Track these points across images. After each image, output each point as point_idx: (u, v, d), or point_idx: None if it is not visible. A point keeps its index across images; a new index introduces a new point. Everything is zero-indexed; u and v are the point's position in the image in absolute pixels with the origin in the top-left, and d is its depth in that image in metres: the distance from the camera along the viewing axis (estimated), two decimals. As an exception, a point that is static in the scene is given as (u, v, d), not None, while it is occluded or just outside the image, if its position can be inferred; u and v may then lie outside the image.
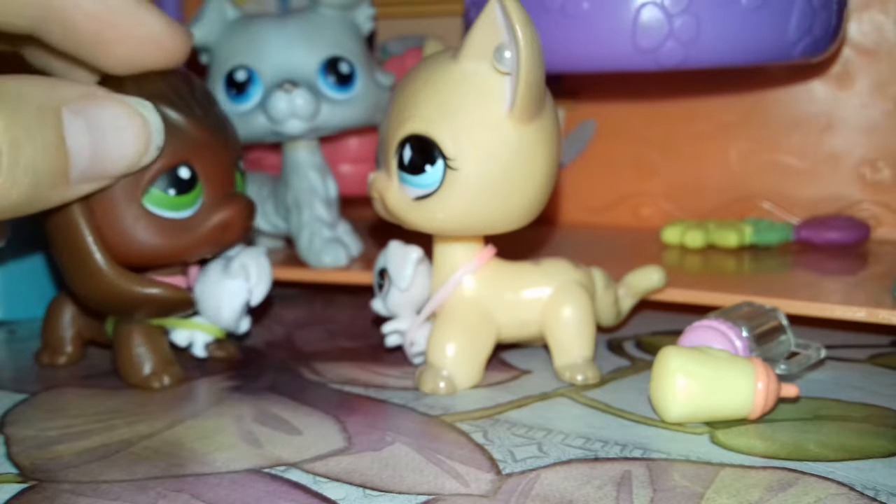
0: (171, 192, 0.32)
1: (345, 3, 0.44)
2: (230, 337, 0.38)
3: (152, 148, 0.30)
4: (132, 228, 0.31)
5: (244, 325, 0.36)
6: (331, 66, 0.43)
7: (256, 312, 0.46)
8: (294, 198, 0.44)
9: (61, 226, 0.31)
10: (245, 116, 0.42)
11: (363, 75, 0.43)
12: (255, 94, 0.42)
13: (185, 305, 0.34)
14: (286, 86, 0.41)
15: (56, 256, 0.32)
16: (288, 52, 0.42)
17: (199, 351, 0.37)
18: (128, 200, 0.31)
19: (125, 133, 0.28)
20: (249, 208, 0.34)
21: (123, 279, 0.32)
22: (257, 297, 0.36)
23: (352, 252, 0.45)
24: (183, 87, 0.32)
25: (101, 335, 0.36)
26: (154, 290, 0.33)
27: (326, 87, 0.42)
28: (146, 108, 0.29)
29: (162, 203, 0.31)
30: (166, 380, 0.34)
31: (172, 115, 0.31)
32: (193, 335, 0.36)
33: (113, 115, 0.28)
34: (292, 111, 0.41)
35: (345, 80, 0.43)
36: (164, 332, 0.36)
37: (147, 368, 0.34)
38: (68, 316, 0.37)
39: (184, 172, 0.32)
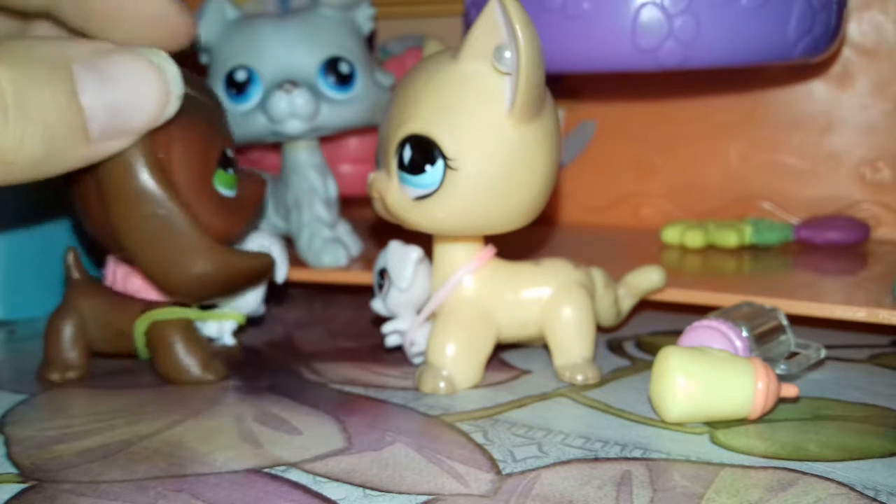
0: (230, 171, 0.33)
1: (345, 3, 0.44)
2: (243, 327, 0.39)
3: (173, 97, 0.29)
4: (211, 211, 0.32)
5: (262, 308, 0.38)
6: (331, 66, 0.43)
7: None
8: (294, 198, 0.44)
9: (159, 217, 0.30)
10: (245, 116, 0.42)
11: (363, 75, 0.43)
12: (255, 94, 0.42)
13: (271, 270, 0.35)
14: (286, 86, 0.41)
15: (148, 252, 0.31)
16: (288, 52, 0.42)
17: (229, 339, 0.37)
18: (205, 183, 0.32)
19: (142, 84, 0.28)
20: (265, 182, 0.36)
21: (233, 255, 0.32)
22: (281, 277, 0.37)
23: (352, 252, 0.45)
24: (196, 78, 0.33)
25: (120, 344, 0.35)
26: (255, 261, 0.33)
27: (326, 87, 0.42)
28: (160, 57, 0.29)
29: (224, 182, 0.33)
30: (216, 373, 0.35)
31: (210, 101, 0.33)
32: (222, 325, 0.37)
33: (126, 66, 0.28)
34: (292, 111, 0.41)
35: (345, 80, 0.43)
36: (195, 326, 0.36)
37: (195, 368, 0.35)
38: (69, 331, 0.35)
39: (229, 150, 0.33)
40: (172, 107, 0.29)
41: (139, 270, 0.32)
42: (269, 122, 0.42)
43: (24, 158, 0.26)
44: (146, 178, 0.30)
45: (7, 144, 0.25)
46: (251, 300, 0.37)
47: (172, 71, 0.29)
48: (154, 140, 0.30)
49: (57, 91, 0.26)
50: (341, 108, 0.43)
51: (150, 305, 0.35)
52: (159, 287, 0.32)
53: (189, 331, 0.35)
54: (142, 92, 0.28)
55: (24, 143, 0.26)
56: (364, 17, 0.45)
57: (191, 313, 0.35)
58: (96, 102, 0.27)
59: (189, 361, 0.34)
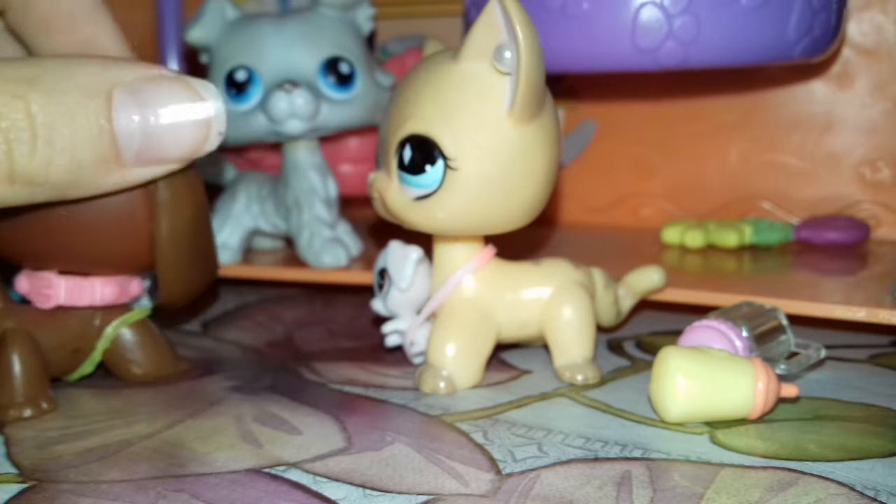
0: None
1: (345, 3, 0.44)
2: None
3: (213, 132, 0.28)
4: None
5: None
6: (331, 66, 0.43)
7: (256, 312, 0.46)
8: (294, 198, 0.44)
9: (201, 224, 0.31)
10: (245, 116, 0.42)
11: (363, 75, 0.43)
12: (255, 94, 0.42)
13: None
14: (286, 86, 0.41)
15: (190, 259, 0.31)
16: (288, 52, 0.42)
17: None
18: None
19: (183, 115, 0.27)
20: None
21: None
22: None
23: (352, 252, 0.45)
24: None
25: (74, 361, 0.34)
26: None
27: (326, 87, 0.42)
28: (208, 91, 0.28)
29: None
30: (185, 362, 0.36)
31: None
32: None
33: (170, 95, 0.27)
34: (292, 111, 0.41)
35: (345, 80, 0.43)
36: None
37: (175, 358, 0.36)
38: (24, 362, 0.31)
39: None
40: (212, 143, 0.28)
41: (168, 279, 0.31)
42: (269, 122, 0.42)
43: (52, 182, 0.26)
44: (199, 187, 0.30)
45: (34, 170, 0.25)
46: None
47: (218, 106, 0.28)
48: None
49: (89, 118, 0.26)
50: (341, 108, 0.43)
51: (113, 311, 0.34)
52: (185, 291, 0.32)
53: (152, 327, 0.36)
54: (182, 123, 0.27)
55: (51, 169, 0.25)
56: (364, 17, 0.45)
57: (145, 310, 0.36)
58: (132, 129, 0.26)
59: (171, 353, 0.36)
